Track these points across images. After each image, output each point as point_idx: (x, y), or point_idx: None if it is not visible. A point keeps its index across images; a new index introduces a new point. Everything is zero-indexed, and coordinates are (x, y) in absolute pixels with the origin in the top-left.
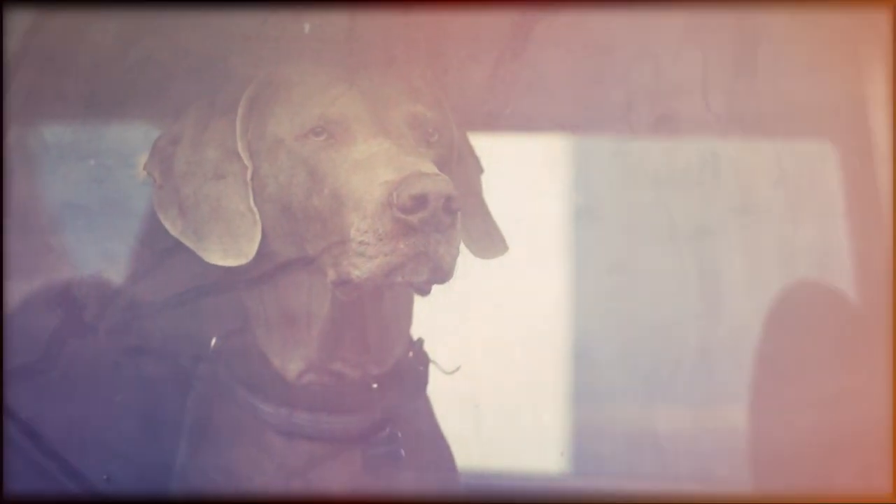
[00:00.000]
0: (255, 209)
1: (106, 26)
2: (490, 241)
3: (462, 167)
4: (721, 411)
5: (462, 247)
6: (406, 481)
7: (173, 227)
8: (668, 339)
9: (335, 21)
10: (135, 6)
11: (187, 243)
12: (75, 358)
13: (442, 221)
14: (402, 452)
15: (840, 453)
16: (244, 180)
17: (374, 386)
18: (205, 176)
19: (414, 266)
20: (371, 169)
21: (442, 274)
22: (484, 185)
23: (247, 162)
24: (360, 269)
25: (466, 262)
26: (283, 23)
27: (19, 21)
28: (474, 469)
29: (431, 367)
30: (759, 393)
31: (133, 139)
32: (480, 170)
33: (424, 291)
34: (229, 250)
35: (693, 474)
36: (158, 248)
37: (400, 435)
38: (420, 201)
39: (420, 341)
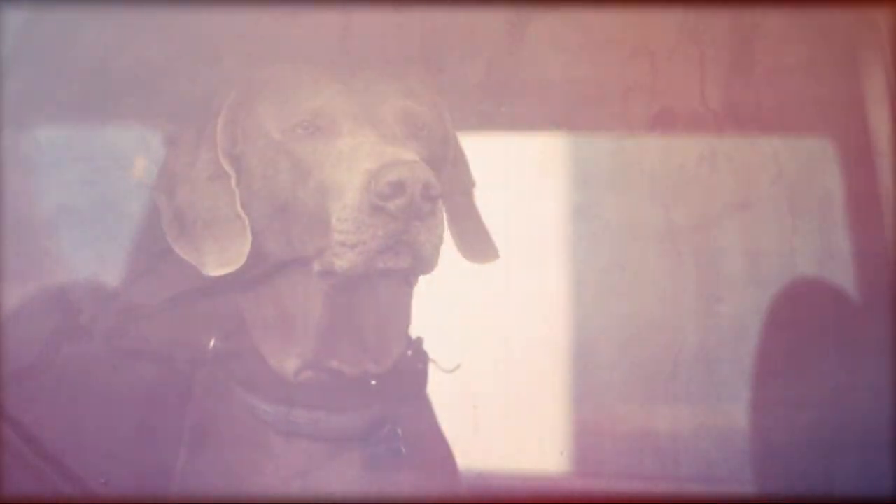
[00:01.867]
0: (243, 214)
1: (99, 28)
2: (481, 246)
3: (456, 171)
4: (722, 410)
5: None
6: (406, 480)
7: (176, 244)
8: (667, 338)
9: (329, 20)
10: (127, 7)
11: (190, 259)
12: (71, 361)
13: (421, 208)
14: (403, 450)
15: (842, 451)
16: (230, 187)
17: (373, 383)
18: (199, 178)
19: (394, 254)
20: (354, 160)
21: (424, 262)
22: (481, 186)
23: (228, 169)
24: (342, 258)
25: (466, 263)
26: (277, 22)
27: (12, 23)
28: (474, 468)
29: (431, 366)
30: (760, 391)
31: (127, 141)
32: (472, 183)
33: (409, 283)
34: (221, 259)
35: (694, 473)
36: (153, 250)
37: (400, 432)
38: (397, 188)
39: (419, 340)
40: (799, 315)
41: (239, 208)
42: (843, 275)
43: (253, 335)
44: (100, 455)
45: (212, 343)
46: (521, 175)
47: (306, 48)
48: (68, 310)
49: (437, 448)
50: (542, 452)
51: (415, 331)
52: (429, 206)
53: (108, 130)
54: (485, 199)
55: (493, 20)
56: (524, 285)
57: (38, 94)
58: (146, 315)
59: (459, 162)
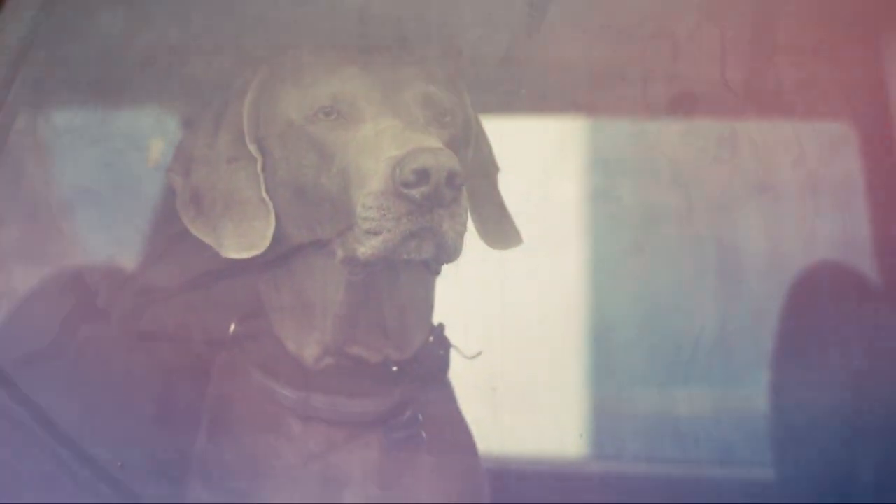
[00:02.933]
0: (267, 199)
1: (116, 9)
2: (503, 232)
3: (479, 156)
4: (742, 393)
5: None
6: (426, 465)
7: (193, 225)
8: (687, 321)
9: (347, 2)
10: None
11: (206, 240)
12: (88, 344)
13: (445, 196)
14: (424, 435)
15: (863, 436)
16: (255, 171)
17: (394, 369)
18: (219, 160)
19: (418, 242)
20: (378, 147)
21: (447, 251)
22: (500, 169)
23: (255, 153)
24: (365, 245)
25: (485, 247)
26: (295, 4)
27: (28, 6)
28: (493, 451)
29: (452, 352)
30: (780, 374)
31: (144, 123)
32: (497, 168)
33: (433, 270)
34: (243, 243)
35: (713, 456)
36: (170, 232)
37: (420, 418)
38: (422, 175)
39: (441, 326)
40: (819, 298)
41: (263, 193)
42: (864, 258)
43: (272, 320)
44: (116, 438)
45: (232, 327)
46: (540, 158)
47: (324, 30)
48: (85, 292)
49: (458, 433)
50: (561, 435)
51: (436, 315)
52: (452, 194)
53: (124, 113)
54: (504, 182)
55: (512, 1)
56: (542, 268)
57: (54, 76)
58: (163, 297)
59: (482, 146)
